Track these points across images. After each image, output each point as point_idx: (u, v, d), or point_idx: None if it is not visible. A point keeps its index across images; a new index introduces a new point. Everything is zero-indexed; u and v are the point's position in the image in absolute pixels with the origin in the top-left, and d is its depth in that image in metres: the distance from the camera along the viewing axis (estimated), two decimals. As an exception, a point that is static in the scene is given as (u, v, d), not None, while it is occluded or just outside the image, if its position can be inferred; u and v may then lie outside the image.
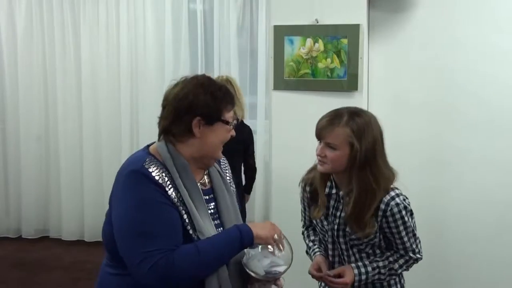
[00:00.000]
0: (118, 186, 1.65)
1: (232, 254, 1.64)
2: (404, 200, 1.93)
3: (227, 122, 1.69)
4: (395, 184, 1.95)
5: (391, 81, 3.15)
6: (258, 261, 1.66)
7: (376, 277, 1.96)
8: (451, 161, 3.11)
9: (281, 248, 1.70)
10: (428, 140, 3.12)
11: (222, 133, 1.70)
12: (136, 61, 4.73)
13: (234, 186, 1.91)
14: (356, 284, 1.95)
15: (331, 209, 1.98)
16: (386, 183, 1.90)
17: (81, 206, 4.95)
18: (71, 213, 4.94)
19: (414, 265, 2.04)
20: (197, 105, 1.64)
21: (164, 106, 1.73)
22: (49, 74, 4.87)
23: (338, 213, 1.96)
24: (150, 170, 1.61)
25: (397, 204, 1.89)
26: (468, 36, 3.07)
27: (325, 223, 2.00)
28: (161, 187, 1.59)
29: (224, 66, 4.50)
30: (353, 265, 1.96)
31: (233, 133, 1.75)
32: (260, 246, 1.68)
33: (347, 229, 1.95)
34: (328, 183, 1.98)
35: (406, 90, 3.14)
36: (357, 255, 2.00)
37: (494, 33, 3.04)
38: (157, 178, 1.60)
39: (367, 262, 1.96)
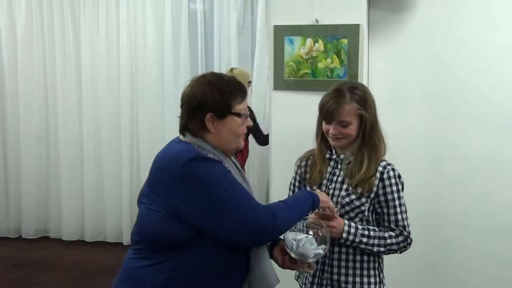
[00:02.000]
0: (175, 180, 1.69)
1: (307, 212, 1.85)
2: (397, 171, 2.07)
3: (238, 115, 1.79)
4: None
5: (391, 81, 3.14)
6: (310, 245, 1.81)
7: (365, 240, 2.01)
8: (450, 160, 3.10)
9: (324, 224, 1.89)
10: (428, 139, 3.12)
11: (235, 126, 1.81)
12: (136, 61, 4.73)
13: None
14: (344, 236, 1.99)
15: (328, 175, 2.10)
16: (384, 145, 2.09)
17: (81, 206, 4.96)
18: (71, 213, 4.95)
19: (413, 264, 2.05)
20: (207, 102, 1.76)
21: (181, 106, 1.84)
22: (49, 74, 4.88)
23: (335, 178, 2.08)
24: (204, 153, 1.73)
25: (393, 170, 2.06)
26: (469, 35, 3.07)
27: (318, 191, 2.06)
28: (219, 162, 1.74)
29: (224, 66, 4.50)
30: (345, 221, 2.02)
31: (249, 123, 1.86)
32: (304, 232, 1.85)
33: (342, 192, 2.04)
34: (328, 151, 2.12)
35: (406, 90, 3.13)
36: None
37: (494, 33, 3.04)
38: (212, 156, 1.74)
39: (358, 224, 2.04)
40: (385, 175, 2.03)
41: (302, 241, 1.81)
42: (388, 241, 2.03)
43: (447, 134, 3.11)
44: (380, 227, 2.05)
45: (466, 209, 3.13)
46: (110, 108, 4.80)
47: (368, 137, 2.04)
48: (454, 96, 3.11)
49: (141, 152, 4.82)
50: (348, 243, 2.01)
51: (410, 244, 2.07)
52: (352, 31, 2.90)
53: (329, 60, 2.94)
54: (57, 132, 4.91)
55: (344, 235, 1.99)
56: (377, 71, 3.12)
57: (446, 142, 3.12)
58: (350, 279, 2.06)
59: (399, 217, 2.04)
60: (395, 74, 3.14)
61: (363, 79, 2.96)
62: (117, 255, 4.57)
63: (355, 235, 2.00)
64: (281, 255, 1.90)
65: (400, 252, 2.08)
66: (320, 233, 1.86)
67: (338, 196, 2.05)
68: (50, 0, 4.77)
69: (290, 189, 2.25)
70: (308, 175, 2.15)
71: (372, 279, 2.08)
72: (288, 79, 3.00)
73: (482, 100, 3.08)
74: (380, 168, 2.04)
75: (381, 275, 2.14)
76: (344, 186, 2.05)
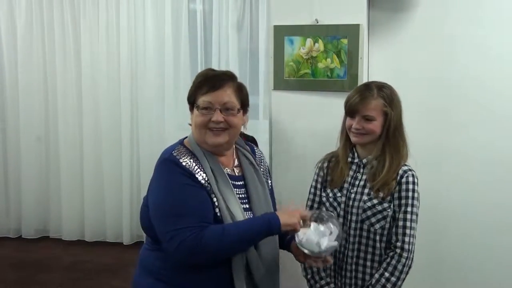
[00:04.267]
0: (154, 174, 1.82)
1: (257, 239, 1.78)
2: (417, 179, 2.04)
3: (197, 106, 1.80)
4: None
5: (391, 81, 3.09)
6: (314, 239, 1.81)
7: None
8: (450, 158, 3.11)
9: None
10: (427, 139, 3.12)
11: (194, 117, 1.82)
12: (136, 61, 4.73)
13: (270, 180, 2.04)
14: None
15: (349, 179, 2.08)
16: (407, 149, 2.07)
17: (82, 206, 4.96)
18: (71, 213, 4.95)
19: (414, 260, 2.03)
20: (189, 95, 1.85)
21: None
22: (49, 74, 4.88)
23: (357, 182, 2.07)
24: (178, 157, 1.77)
25: (413, 176, 2.04)
26: (468, 36, 3.07)
27: (338, 194, 2.08)
28: (188, 172, 1.75)
29: (224, 66, 4.50)
30: None
31: (214, 118, 1.77)
32: (312, 226, 1.83)
33: (364, 197, 2.01)
34: (350, 154, 2.11)
35: (406, 90, 3.08)
36: (365, 234, 2.03)
37: (493, 33, 3.04)
38: (184, 164, 1.76)
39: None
40: (404, 179, 2.01)
41: (306, 234, 1.81)
42: (397, 273, 1.97)
43: (446, 133, 3.12)
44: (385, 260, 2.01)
45: (461, 209, 3.14)
46: (110, 108, 4.79)
47: (392, 137, 2.03)
48: (454, 95, 3.12)
49: (141, 151, 4.82)
50: None
51: (410, 263, 2.01)
52: (352, 31, 2.91)
53: (329, 60, 2.94)
54: (57, 132, 4.91)
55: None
56: (377, 71, 3.13)
57: (445, 141, 3.12)
58: (367, 277, 2.05)
59: (407, 231, 1.98)
60: (395, 74, 3.13)
61: (363, 79, 2.96)
62: (117, 255, 4.59)
63: None
64: (297, 249, 1.90)
65: (406, 274, 2.02)
66: (332, 225, 1.85)
67: (360, 200, 2.03)
68: (50, 0, 4.76)
69: (310, 192, 2.21)
70: (329, 178, 2.14)
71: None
72: (288, 79, 3.01)
73: (482, 99, 3.08)
74: (400, 172, 2.02)
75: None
76: (366, 191, 2.03)
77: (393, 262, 1.99)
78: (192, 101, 1.84)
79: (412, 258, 2.03)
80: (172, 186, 1.74)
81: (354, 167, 2.09)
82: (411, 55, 3.14)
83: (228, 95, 1.80)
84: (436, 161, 3.14)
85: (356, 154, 2.10)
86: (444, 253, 3.19)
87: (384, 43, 3.15)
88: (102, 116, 4.82)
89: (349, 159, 2.10)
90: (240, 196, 1.85)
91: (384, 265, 2.00)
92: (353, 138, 2.06)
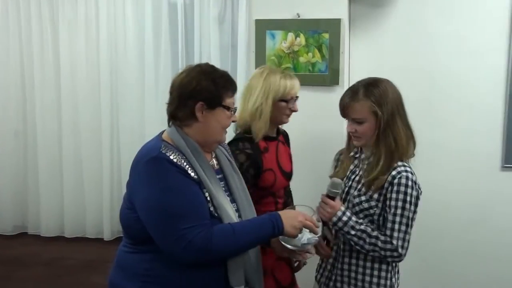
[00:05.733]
0: (138, 174, 1.75)
1: (261, 242, 1.81)
2: (415, 181, 1.98)
3: (228, 108, 1.82)
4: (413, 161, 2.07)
5: (372, 75, 3.14)
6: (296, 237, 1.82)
7: (352, 232, 1.97)
8: (426, 155, 3.13)
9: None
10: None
11: (223, 118, 1.83)
12: (116, 55, 4.67)
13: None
14: (333, 219, 1.98)
15: (348, 173, 2.11)
16: (404, 146, 2.02)
17: (61, 201, 4.89)
18: (50, 209, 4.88)
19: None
20: (200, 90, 1.78)
21: (171, 92, 1.86)
22: (27, 68, 4.78)
23: (353, 176, 2.08)
24: (168, 154, 1.73)
25: (407, 178, 1.96)
26: (447, 31, 3.12)
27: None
28: (181, 169, 1.72)
29: (205, 60, 4.45)
30: (342, 207, 2.00)
31: (234, 118, 1.89)
32: None
33: (355, 192, 2.03)
34: (355, 149, 2.14)
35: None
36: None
37: (470, 28, 3.10)
38: (175, 160, 1.72)
39: (353, 216, 2.01)
40: (396, 181, 1.96)
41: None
42: (373, 240, 1.95)
43: (427, 126, 3.15)
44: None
45: (438, 204, 3.19)
46: (89, 103, 4.73)
47: (383, 136, 1.99)
48: (434, 88, 3.17)
49: (121, 146, 4.77)
50: (336, 228, 2.00)
51: (397, 257, 1.97)
52: (333, 25, 2.92)
53: (310, 54, 2.95)
54: (35, 127, 4.83)
55: (334, 219, 1.97)
56: (358, 65, 3.15)
57: (424, 136, 3.14)
58: (360, 277, 2.05)
59: (396, 227, 1.94)
60: (376, 68, 3.15)
61: (344, 73, 2.98)
62: (98, 251, 4.55)
63: (345, 223, 1.96)
64: (279, 245, 1.92)
65: (385, 259, 1.99)
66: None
67: (351, 194, 2.05)
68: (27, -7, 4.68)
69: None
70: (337, 169, 2.19)
71: (382, 281, 2.05)
72: (269, 73, 3.00)
73: (459, 92, 3.14)
74: (394, 172, 1.97)
75: (393, 279, 2.09)
76: (358, 186, 2.04)
77: (388, 240, 1.96)
78: (216, 100, 1.79)
79: (399, 259, 1.99)
80: (170, 184, 1.69)
81: (356, 161, 2.12)
82: (392, 50, 3.17)
83: None
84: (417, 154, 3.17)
85: (359, 149, 2.13)
86: (417, 246, 3.23)
87: (365, 38, 3.17)
88: (81, 110, 4.76)
89: (352, 153, 2.14)
90: (224, 189, 1.87)
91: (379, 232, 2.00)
92: (353, 141, 2.09)
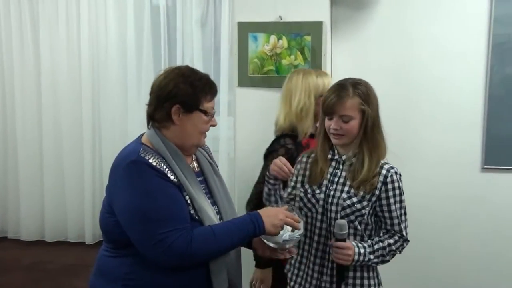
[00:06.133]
0: (117, 178, 1.73)
1: (242, 243, 1.79)
2: (400, 174, 2.05)
3: (205, 112, 1.79)
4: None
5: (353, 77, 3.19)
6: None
7: (372, 257, 1.99)
8: (407, 156, 3.17)
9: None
10: (389, 134, 3.18)
11: (200, 122, 1.80)
12: (97, 57, 4.65)
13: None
14: (355, 258, 1.96)
15: (329, 176, 2.07)
16: (384, 146, 2.05)
17: (41, 205, 4.84)
18: (30, 212, 4.83)
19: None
20: (177, 93, 1.76)
21: (150, 94, 1.83)
22: (7, 70, 4.74)
23: (336, 179, 2.05)
24: (147, 158, 1.71)
25: (396, 173, 2.03)
26: (428, 33, 3.15)
27: (317, 191, 2.06)
28: (161, 172, 1.71)
29: (187, 63, 4.46)
30: (353, 243, 1.99)
31: (213, 123, 1.85)
32: None
33: (344, 194, 2.01)
34: (330, 151, 2.09)
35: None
36: None
37: (450, 31, 3.13)
38: (154, 164, 1.71)
39: (361, 243, 2.01)
40: (389, 179, 2.00)
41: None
42: (388, 249, 2.02)
43: (404, 130, 3.18)
44: (380, 234, 2.04)
45: (419, 205, 3.21)
46: (71, 104, 4.69)
47: (370, 134, 2.01)
48: (413, 92, 3.19)
49: (103, 148, 4.74)
50: (358, 263, 1.99)
51: (407, 243, 2.06)
52: (315, 28, 2.93)
53: (293, 57, 2.96)
54: (15, 128, 4.77)
55: (356, 257, 1.96)
56: (341, 67, 3.16)
57: (403, 138, 3.18)
58: (351, 273, 2.05)
59: (397, 221, 2.02)
60: (357, 70, 3.15)
61: (326, 76, 2.99)
62: (79, 255, 4.51)
63: (364, 255, 1.98)
64: (261, 245, 1.91)
65: (399, 253, 2.06)
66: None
67: (339, 198, 2.01)
68: (6, -8, 4.63)
69: (288, 184, 2.19)
70: (307, 173, 2.12)
71: (372, 281, 2.08)
72: (252, 76, 3.01)
73: (440, 95, 3.17)
74: (383, 171, 2.00)
75: (379, 276, 2.13)
76: (346, 188, 2.02)
77: (397, 238, 2.03)
78: (193, 104, 1.77)
79: (407, 243, 2.08)
80: (150, 188, 1.67)
81: (333, 163, 2.08)
82: (373, 52, 3.20)
83: None
84: (393, 156, 3.20)
85: (336, 151, 2.09)
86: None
87: (346, 40, 3.19)
88: (62, 112, 4.72)
89: (329, 156, 2.09)
90: (204, 191, 1.85)
91: (388, 235, 2.04)
92: (333, 140, 2.05)
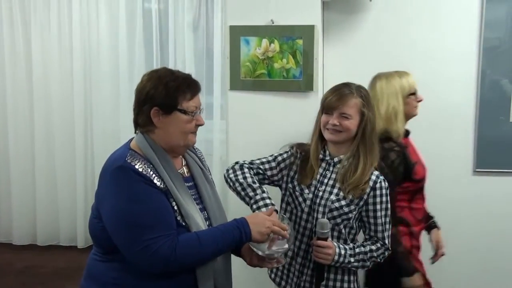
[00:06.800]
0: (104, 183, 1.73)
1: (228, 250, 1.79)
2: (386, 182, 2.06)
3: (184, 112, 1.76)
4: None
5: (345, 81, 3.20)
6: (264, 243, 1.81)
7: (352, 259, 2.00)
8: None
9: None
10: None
11: (181, 122, 1.78)
12: (90, 60, 4.63)
13: (210, 176, 2.01)
14: (335, 259, 1.97)
15: (318, 176, 2.06)
16: (377, 151, 2.07)
17: (33, 208, 4.82)
18: (22, 216, 4.80)
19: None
20: (153, 95, 1.75)
21: (134, 99, 1.84)
22: (-2, 73, 4.72)
23: (326, 180, 2.05)
24: (133, 163, 1.70)
25: (384, 180, 2.04)
26: (419, 37, 3.17)
27: (306, 191, 2.06)
28: (147, 178, 1.69)
29: (180, 66, 4.46)
30: (334, 243, 1.99)
31: (199, 122, 1.82)
32: None
33: (332, 196, 2.01)
34: (321, 152, 2.10)
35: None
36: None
37: (442, 35, 3.16)
38: (140, 170, 1.70)
39: (342, 244, 2.02)
40: (378, 185, 2.02)
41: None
42: (369, 255, 2.03)
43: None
44: (363, 241, 2.06)
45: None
46: (63, 107, 4.68)
47: (368, 138, 2.03)
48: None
49: (95, 151, 4.72)
50: (337, 264, 2.00)
51: (388, 253, 2.08)
52: (307, 32, 2.94)
53: (284, 60, 2.96)
54: (7, 130, 4.75)
55: (336, 258, 1.97)
56: (332, 71, 3.18)
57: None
58: (332, 276, 2.07)
59: (382, 228, 2.03)
60: (349, 74, 3.17)
61: (318, 79, 3.00)
62: (72, 258, 4.49)
63: (344, 256, 1.99)
64: (249, 253, 1.91)
65: (380, 261, 2.07)
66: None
67: (327, 199, 2.02)
68: (-2, -4, 4.61)
69: (269, 158, 2.19)
70: (298, 170, 2.11)
71: (352, 285, 2.10)
72: (244, 79, 3.01)
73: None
74: (373, 177, 2.02)
75: (359, 281, 2.16)
76: (335, 190, 2.03)
77: (379, 245, 2.05)
78: (170, 105, 1.75)
79: (389, 253, 2.10)
80: (135, 194, 1.66)
81: (324, 164, 2.08)
82: (364, 55, 3.21)
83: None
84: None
85: (327, 152, 2.09)
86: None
87: (338, 44, 3.21)
88: (54, 114, 4.70)
89: (320, 156, 2.09)
90: (194, 197, 1.84)
91: (370, 242, 2.06)
92: (328, 135, 2.04)
